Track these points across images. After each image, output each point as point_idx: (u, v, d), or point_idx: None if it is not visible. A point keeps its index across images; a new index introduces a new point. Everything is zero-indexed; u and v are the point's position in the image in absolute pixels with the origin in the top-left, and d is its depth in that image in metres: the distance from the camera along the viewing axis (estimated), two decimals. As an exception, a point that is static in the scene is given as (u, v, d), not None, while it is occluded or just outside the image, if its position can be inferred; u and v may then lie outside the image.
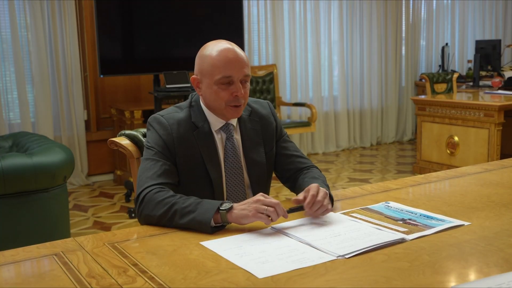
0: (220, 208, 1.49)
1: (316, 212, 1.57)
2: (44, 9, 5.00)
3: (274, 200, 1.49)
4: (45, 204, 2.91)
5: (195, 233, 1.49)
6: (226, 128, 1.81)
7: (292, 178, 1.90)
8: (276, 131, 1.92)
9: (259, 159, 1.85)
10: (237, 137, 1.84)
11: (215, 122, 1.80)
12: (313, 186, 1.60)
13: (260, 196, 1.51)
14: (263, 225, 1.52)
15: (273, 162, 1.91)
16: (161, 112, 1.81)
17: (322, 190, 1.60)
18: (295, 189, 1.87)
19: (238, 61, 1.71)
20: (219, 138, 1.81)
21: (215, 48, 1.73)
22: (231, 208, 1.50)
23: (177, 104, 1.87)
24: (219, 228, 1.51)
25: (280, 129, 1.95)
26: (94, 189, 5.21)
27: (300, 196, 1.59)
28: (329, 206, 1.60)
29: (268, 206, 1.47)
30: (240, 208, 1.49)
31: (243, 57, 1.73)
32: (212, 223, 1.49)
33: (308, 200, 1.56)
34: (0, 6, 4.86)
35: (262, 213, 1.46)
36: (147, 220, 1.59)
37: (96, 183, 5.43)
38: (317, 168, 1.92)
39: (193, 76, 1.80)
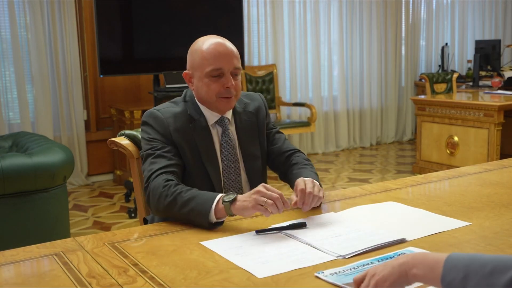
0: (224, 200, 1.49)
1: (311, 205, 1.57)
2: (44, 9, 4.99)
3: (274, 194, 1.47)
4: (45, 204, 2.91)
5: (195, 233, 1.49)
6: (221, 121, 1.83)
7: (276, 162, 1.91)
8: (266, 119, 1.94)
9: (255, 151, 1.87)
10: (232, 129, 1.86)
11: (210, 116, 1.82)
12: (299, 182, 1.61)
13: (261, 187, 1.49)
14: (263, 225, 1.52)
15: (266, 152, 1.92)
16: (156, 107, 1.83)
17: (309, 181, 1.61)
18: (286, 179, 1.88)
19: (228, 54, 1.74)
20: (215, 133, 1.83)
21: (205, 42, 1.76)
22: (234, 199, 1.49)
23: (171, 100, 1.89)
24: (217, 225, 1.51)
25: (269, 117, 1.97)
26: (94, 189, 5.20)
27: (294, 198, 1.60)
28: (321, 194, 1.60)
29: (268, 199, 1.46)
30: (242, 199, 1.49)
31: (232, 50, 1.76)
32: (213, 217, 1.49)
33: (298, 198, 1.56)
34: (0, 6, 4.86)
35: (262, 205, 1.45)
36: (156, 206, 1.61)
37: (95, 183, 5.42)
38: (301, 152, 1.92)
39: (185, 71, 1.82)
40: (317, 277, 1.18)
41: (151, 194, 1.63)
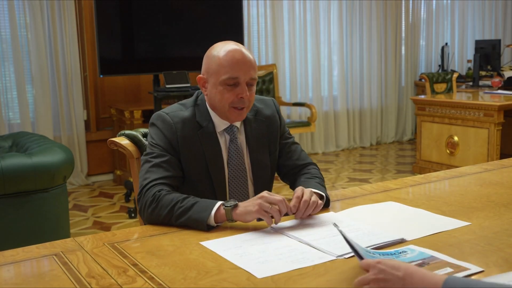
0: (225, 205, 1.50)
1: (305, 213, 1.55)
2: (44, 9, 4.99)
3: (278, 197, 1.48)
4: (45, 204, 2.91)
5: (195, 233, 1.49)
6: (230, 129, 1.79)
7: (289, 174, 1.90)
8: (280, 130, 1.91)
9: (264, 160, 1.84)
10: (242, 137, 1.82)
11: (219, 123, 1.78)
12: (297, 190, 1.59)
13: (264, 193, 1.50)
14: (264, 225, 1.52)
15: (276, 162, 1.90)
16: (165, 110, 1.78)
17: (307, 190, 1.58)
18: (293, 188, 1.87)
19: (246, 63, 1.69)
20: (222, 141, 1.79)
21: (223, 48, 1.71)
22: (236, 205, 1.50)
23: (181, 101, 1.84)
24: (214, 226, 1.52)
25: (284, 127, 1.93)
26: (94, 189, 5.20)
27: (291, 205, 1.57)
28: (318, 202, 1.57)
29: (272, 203, 1.47)
30: (245, 205, 1.50)
31: (251, 60, 1.71)
32: (212, 221, 1.49)
33: (292, 205, 1.54)
34: (0, 6, 4.86)
35: (266, 211, 1.46)
36: (150, 218, 1.60)
37: (95, 183, 5.42)
38: (315, 166, 1.91)
39: (199, 75, 1.78)
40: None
41: (145, 207, 1.60)
